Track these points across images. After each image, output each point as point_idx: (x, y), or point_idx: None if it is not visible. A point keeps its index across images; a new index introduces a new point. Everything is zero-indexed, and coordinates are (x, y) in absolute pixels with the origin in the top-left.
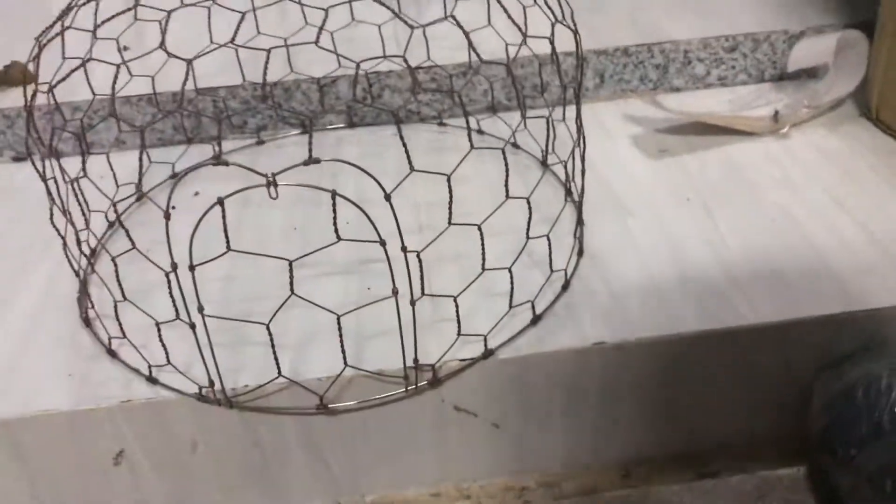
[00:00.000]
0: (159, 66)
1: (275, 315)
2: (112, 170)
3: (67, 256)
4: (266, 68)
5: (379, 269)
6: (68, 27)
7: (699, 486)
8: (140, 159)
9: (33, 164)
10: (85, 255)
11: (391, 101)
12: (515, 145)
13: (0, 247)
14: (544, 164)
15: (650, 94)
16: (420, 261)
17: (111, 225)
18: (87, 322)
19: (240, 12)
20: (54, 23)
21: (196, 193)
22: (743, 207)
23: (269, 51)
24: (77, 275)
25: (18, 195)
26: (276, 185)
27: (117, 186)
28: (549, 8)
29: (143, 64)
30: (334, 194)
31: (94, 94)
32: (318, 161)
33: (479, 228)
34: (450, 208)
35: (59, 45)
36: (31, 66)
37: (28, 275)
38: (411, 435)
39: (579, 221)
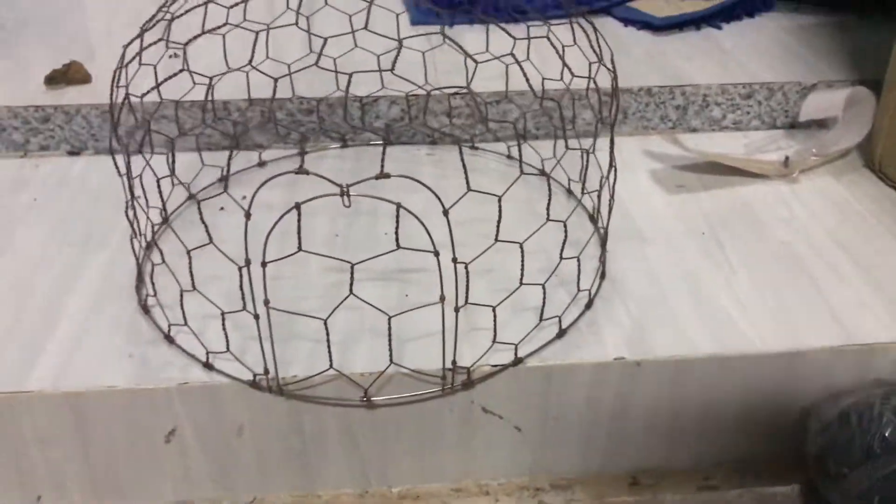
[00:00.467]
0: (217, 76)
1: (332, 312)
2: (172, 169)
3: (133, 247)
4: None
5: (414, 278)
6: (147, 29)
7: (700, 497)
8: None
9: (114, 160)
10: (147, 245)
11: (428, 123)
12: (543, 172)
13: (60, 236)
14: (570, 191)
15: (669, 133)
16: (467, 273)
17: (164, 221)
18: (145, 309)
19: (304, 31)
20: (139, 35)
21: (244, 197)
22: (752, 243)
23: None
24: (137, 264)
25: (75, 187)
26: (348, 195)
27: (173, 185)
28: (592, 49)
29: (199, 70)
30: (399, 206)
31: (160, 97)
32: (388, 176)
33: (521, 247)
34: (497, 226)
35: (110, 44)
36: (121, 71)
37: (88, 263)
38: (440, 432)
39: (603, 246)
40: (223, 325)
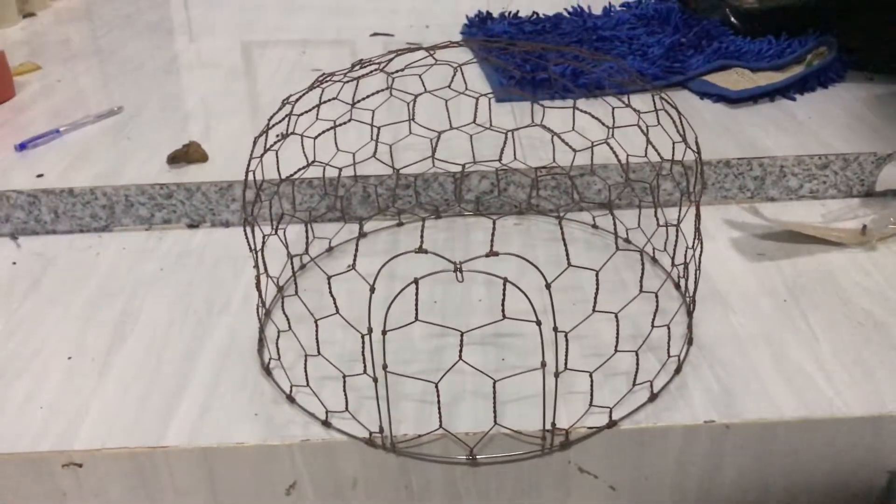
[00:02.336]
0: (330, 157)
1: (444, 375)
2: (285, 241)
3: (258, 314)
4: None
5: (510, 343)
6: (274, 124)
7: None
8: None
9: (245, 235)
10: (265, 312)
11: (515, 195)
12: (627, 240)
13: (186, 303)
14: (654, 259)
15: (748, 202)
16: (567, 340)
17: (280, 289)
18: (268, 371)
19: (414, 123)
20: (270, 126)
21: (349, 266)
22: (833, 310)
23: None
24: (260, 328)
25: (195, 257)
26: (461, 271)
27: (289, 256)
28: (678, 132)
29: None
30: (506, 281)
31: (281, 178)
32: (496, 254)
33: (616, 316)
34: (595, 298)
35: (221, 123)
36: (251, 163)
37: (212, 328)
38: (538, 490)
39: (690, 315)
40: (344, 386)
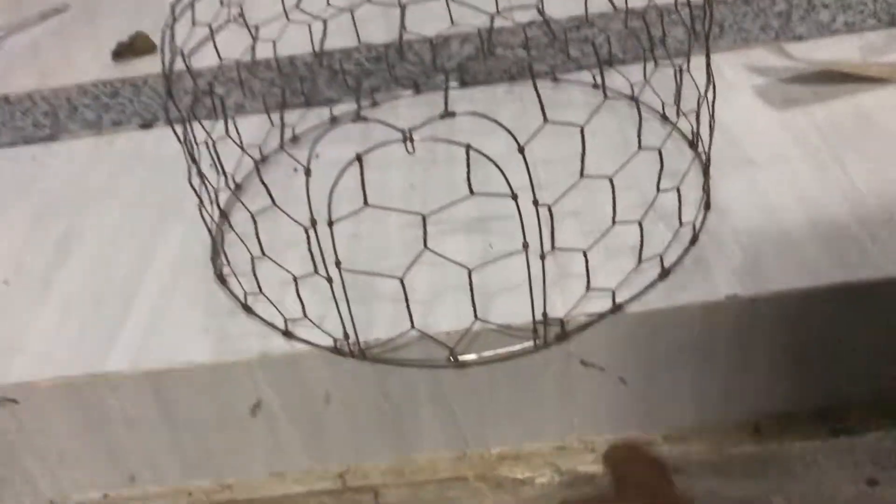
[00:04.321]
0: (279, 31)
1: (408, 269)
2: (238, 132)
3: (203, 216)
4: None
5: (498, 227)
6: None
7: (834, 443)
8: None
9: (173, 128)
10: (220, 214)
11: (504, 58)
12: (633, 98)
13: (135, 211)
14: (664, 116)
15: (773, 44)
16: (551, 215)
17: (237, 187)
18: (221, 279)
19: None
20: None
21: (316, 156)
22: (877, 156)
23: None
24: (210, 234)
25: (148, 161)
26: (412, 140)
27: (242, 150)
28: None
29: (258, 27)
30: (468, 148)
31: (220, 58)
32: (452, 115)
33: (611, 181)
34: (582, 160)
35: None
36: (166, 33)
37: (164, 237)
38: (538, 389)
39: (706, 174)
40: (296, 289)
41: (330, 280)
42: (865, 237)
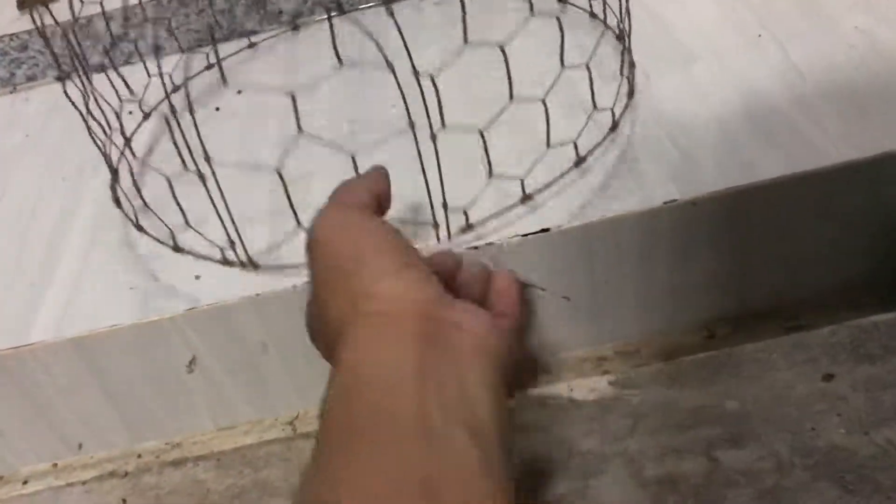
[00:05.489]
0: None
1: (285, 155)
2: (151, 71)
3: (97, 144)
4: None
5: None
6: None
7: (788, 340)
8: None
9: (62, 81)
10: (125, 144)
11: None
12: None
13: (52, 173)
14: (593, 14)
15: None
16: (435, 86)
17: (146, 116)
18: (117, 203)
19: None
20: None
21: (239, 92)
22: (819, 38)
23: None
24: (108, 166)
25: (66, 117)
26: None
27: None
28: None
29: None
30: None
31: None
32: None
33: (502, 49)
34: (509, 78)
35: None
36: None
37: (83, 198)
38: None
39: (626, 58)
40: (173, 194)
41: (201, 175)
42: (810, 126)
